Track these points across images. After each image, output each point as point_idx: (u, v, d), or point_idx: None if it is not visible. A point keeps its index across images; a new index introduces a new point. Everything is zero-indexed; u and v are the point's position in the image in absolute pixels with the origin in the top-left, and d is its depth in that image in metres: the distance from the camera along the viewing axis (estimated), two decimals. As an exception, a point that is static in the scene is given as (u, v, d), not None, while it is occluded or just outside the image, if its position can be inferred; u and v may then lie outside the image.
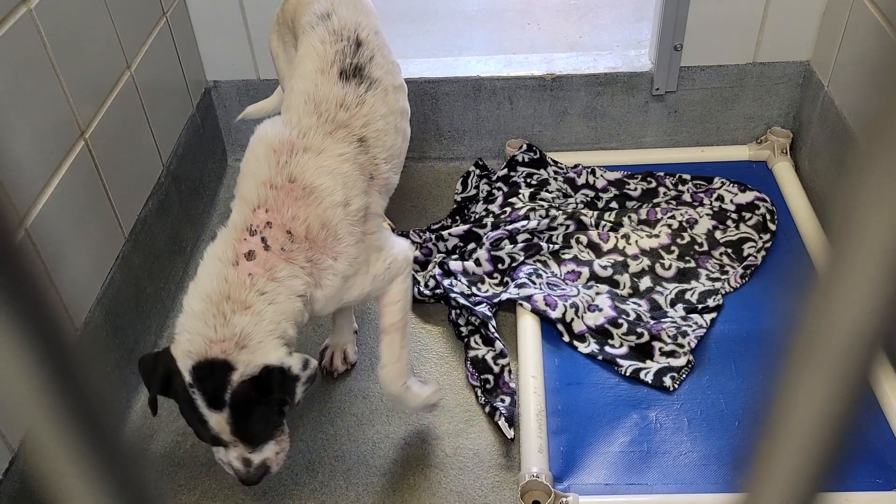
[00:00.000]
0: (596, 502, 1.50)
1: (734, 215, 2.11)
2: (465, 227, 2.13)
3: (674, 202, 2.19)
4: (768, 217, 2.08)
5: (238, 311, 1.27)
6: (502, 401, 1.72)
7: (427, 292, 1.99)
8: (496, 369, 1.78)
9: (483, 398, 1.75)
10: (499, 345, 1.81)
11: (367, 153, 1.42)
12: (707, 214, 2.12)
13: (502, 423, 1.66)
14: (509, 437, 1.65)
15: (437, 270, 2.04)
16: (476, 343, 1.85)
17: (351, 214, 1.37)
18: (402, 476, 1.62)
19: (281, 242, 1.30)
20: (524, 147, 2.32)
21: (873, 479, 1.52)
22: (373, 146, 1.42)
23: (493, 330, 1.84)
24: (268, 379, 1.26)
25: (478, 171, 2.35)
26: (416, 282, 2.03)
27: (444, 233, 2.13)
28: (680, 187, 2.22)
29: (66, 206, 1.50)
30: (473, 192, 2.30)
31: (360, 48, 1.46)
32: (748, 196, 2.13)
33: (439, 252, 2.12)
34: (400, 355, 1.53)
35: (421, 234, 2.17)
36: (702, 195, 2.18)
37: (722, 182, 2.19)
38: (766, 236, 2.05)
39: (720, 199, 2.16)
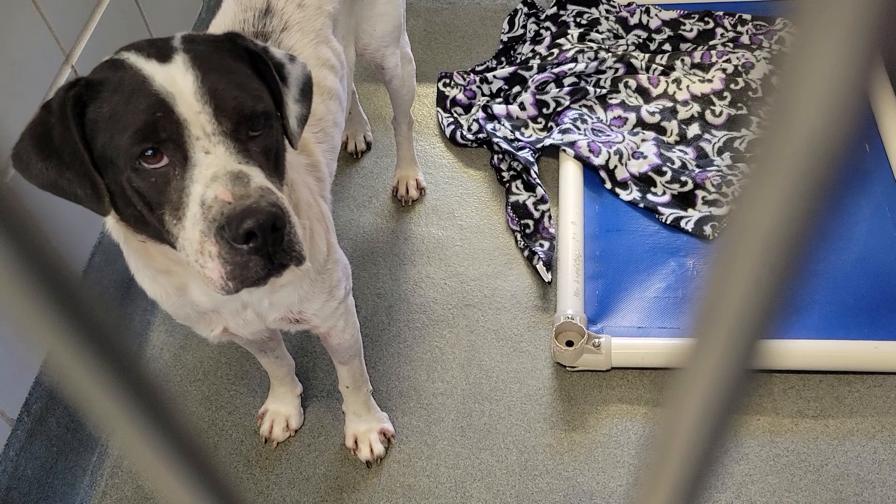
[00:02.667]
0: (628, 343, 1.55)
1: (794, 59, 2.01)
2: (511, 69, 2.07)
3: (731, 44, 2.08)
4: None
5: None
6: (541, 245, 1.75)
7: (470, 136, 1.98)
8: (536, 214, 1.79)
9: (522, 242, 1.77)
10: (540, 190, 1.81)
11: None
12: (765, 58, 2.02)
13: (540, 266, 1.70)
14: (546, 281, 1.69)
15: (480, 114, 2.01)
16: (517, 188, 1.85)
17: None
18: (441, 314, 1.69)
19: None
20: (575, -17, 2.20)
21: (906, 330, 1.54)
22: None
23: (534, 175, 1.83)
24: (236, 40, 0.93)
25: (526, 10, 2.25)
26: (458, 125, 2.02)
27: (489, 75, 2.08)
28: (739, 28, 2.11)
29: (109, 44, 1.49)
30: (521, 31, 2.22)
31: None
32: (811, 39, 2.02)
33: (483, 95, 2.08)
34: (362, 380, 1.44)
35: (465, 76, 2.13)
36: (761, 37, 2.07)
37: (785, 23, 2.06)
38: (826, 82, 1.96)
39: (781, 41, 2.04)
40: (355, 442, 1.49)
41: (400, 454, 1.50)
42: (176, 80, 0.84)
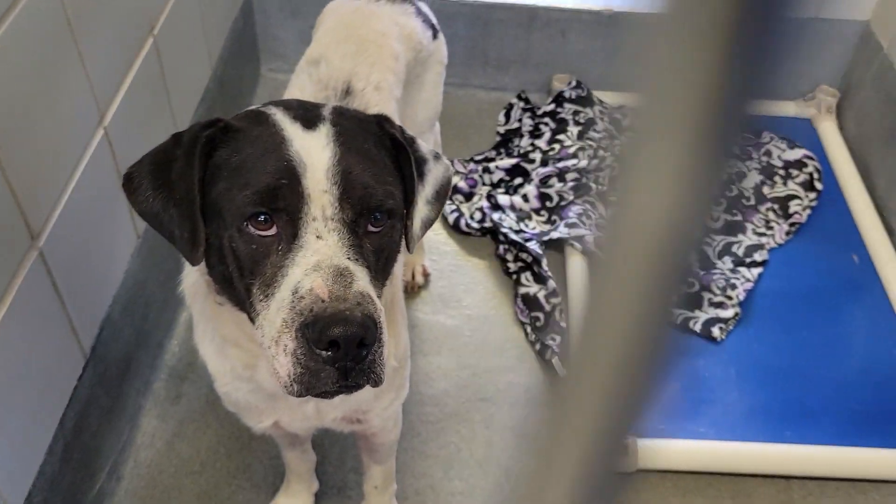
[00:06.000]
0: (653, 445, 1.53)
1: (782, 171, 2.11)
2: (513, 160, 2.09)
3: (720, 153, 2.17)
4: (815, 176, 2.09)
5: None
6: (553, 339, 1.72)
7: (475, 225, 1.96)
8: (548, 308, 1.77)
9: (533, 335, 1.75)
10: (551, 283, 1.80)
11: None
12: (755, 168, 2.12)
13: (556, 361, 1.67)
14: (563, 376, 1.66)
15: (485, 203, 2.00)
16: (527, 280, 1.84)
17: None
18: (455, 408, 1.63)
19: None
20: (573, 83, 2.27)
21: (912, 439, 1.58)
22: None
23: (545, 268, 1.82)
24: (383, 123, 0.89)
25: (522, 104, 2.30)
26: (461, 213, 2.00)
27: (491, 165, 2.09)
28: (726, 138, 2.21)
29: (136, 107, 1.42)
30: (516, 125, 2.26)
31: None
32: (796, 153, 2.13)
33: (484, 185, 2.09)
34: (392, 478, 1.37)
35: (465, 163, 2.13)
36: (749, 149, 2.18)
37: (770, 137, 2.18)
38: (813, 195, 2.06)
39: (768, 154, 2.15)
40: None
41: (420, 559, 1.40)
42: (312, 150, 0.79)
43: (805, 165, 2.11)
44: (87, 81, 1.22)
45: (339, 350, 0.74)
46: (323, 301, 0.74)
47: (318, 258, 0.76)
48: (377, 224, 0.81)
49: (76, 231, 1.23)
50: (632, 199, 0.18)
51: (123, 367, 1.43)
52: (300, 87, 1.16)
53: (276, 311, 0.76)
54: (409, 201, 0.88)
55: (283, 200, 0.77)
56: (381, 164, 0.83)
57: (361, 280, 0.77)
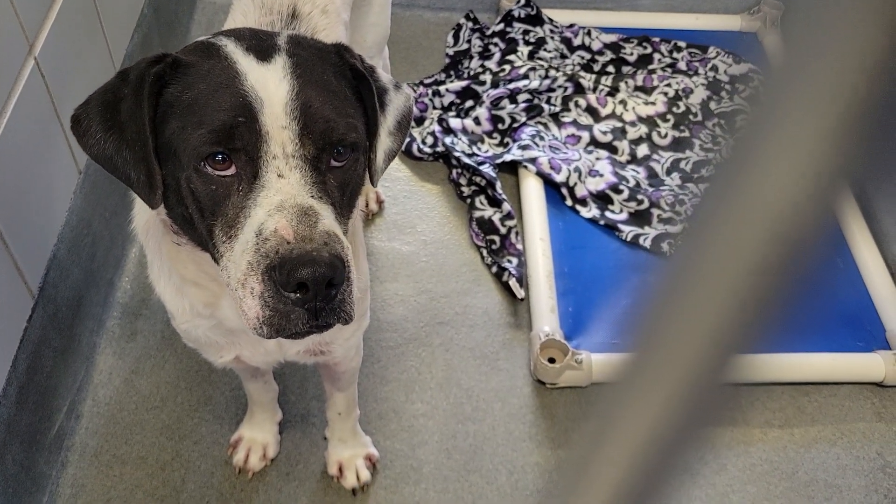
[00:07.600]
0: (606, 360, 1.57)
1: (728, 86, 2.13)
2: (463, 83, 2.06)
3: (669, 69, 2.18)
4: (762, 91, 2.10)
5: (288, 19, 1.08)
6: (510, 261, 1.74)
7: (427, 150, 1.94)
8: (503, 230, 1.78)
9: (489, 258, 1.76)
10: (506, 206, 1.80)
11: None
12: (702, 84, 2.13)
13: (513, 283, 1.69)
14: (520, 297, 1.68)
15: (436, 127, 1.98)
16: (481, 204, 1.84)
17: None
18: (414, 332, 1.64)
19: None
20: (521, 2, 2.22)
21: (854, 342, 1.66)
22: None
23: (499, 191, 1.82)
24: (343, 52, 0.86)
25: (470, 25, 2.25)
26: (412, 138, 1.98)
27: (441, 88, 2.06)
28: (675, 55, 2.21)
29: (68, 35, 1.34)
30: (465, 46, 2.21)
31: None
32: (742, 68, 2.15)
33: (435, 108, 2.06)
34: (355, 404, 1.36)
35: (415, 87, 2.09)
36: (696, 64, 2.18)
37: (717, 52, 2.19)
38: (759, 110, 2.08)
39: (714, 69, 2.16)
40: (340, 469, 1.41)
41: (386, 480, 1.44)
42: (269, 84, 0.76)
43: (751, 80, 2.13)
44: (12, 7, 1.15)
45: (308, 292, 0.73)
46: (288, 242, 0.72)
47: (281, 198, 0.74)
48: (340, 159, 0.79)
49: (14, 169, 1.18)
50: (751, 181, 0.17)
51: (74, 307, 1.41)
52: (243, 12, 1.11)
53: (241, 253, 0.75)
54: (371, 133, 0.85)
55: (239, 139, 0.74)
56: (341, 95, 0.81)
57: (326, 218, 0.75)
